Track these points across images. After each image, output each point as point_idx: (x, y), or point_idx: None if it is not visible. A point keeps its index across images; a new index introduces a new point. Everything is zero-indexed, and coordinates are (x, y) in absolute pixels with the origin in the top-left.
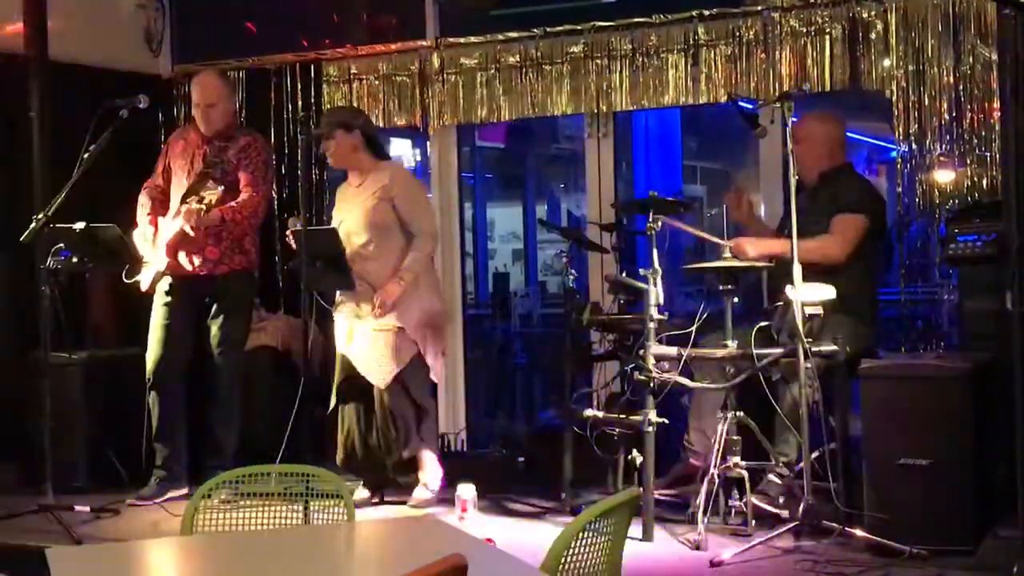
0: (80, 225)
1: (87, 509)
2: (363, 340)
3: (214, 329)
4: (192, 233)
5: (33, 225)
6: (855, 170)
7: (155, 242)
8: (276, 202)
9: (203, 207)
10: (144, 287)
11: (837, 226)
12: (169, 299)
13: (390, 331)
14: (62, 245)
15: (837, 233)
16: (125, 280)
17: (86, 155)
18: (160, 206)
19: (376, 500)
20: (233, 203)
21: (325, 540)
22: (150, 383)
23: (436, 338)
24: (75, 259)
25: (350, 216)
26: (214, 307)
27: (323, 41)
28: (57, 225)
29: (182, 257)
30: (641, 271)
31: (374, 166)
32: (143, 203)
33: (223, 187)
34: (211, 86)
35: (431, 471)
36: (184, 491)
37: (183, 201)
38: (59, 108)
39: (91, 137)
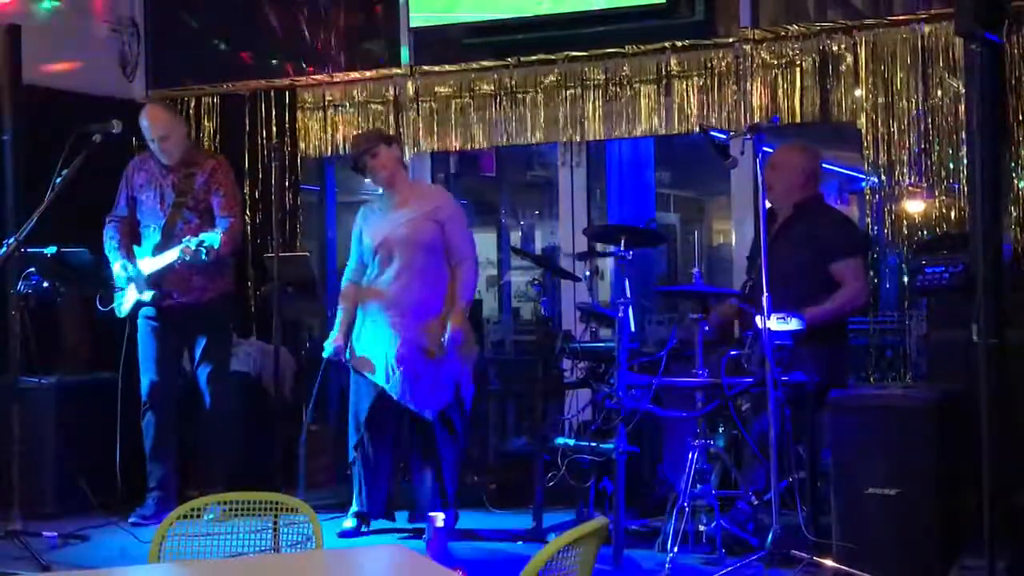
0: (51, 249)
1: (55, 535)
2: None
3: (200, 354)
4: (176, 266)
5: (4, 250)
6: (826, 202)
7: (137, 276)
8: (249, 228)
9: (203, 250)
10: (122, 314)
11: (847, 275)
12: (156, 324)
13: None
14: (33, 269)
15: (853, 282)
16: (100, 307)
17: (59, 179)
18: (129, 239)
19: (365, 529)
20: (223, 236)
21: (292, 569)
22: (146, 405)
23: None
24: (46, 283)
25: (392, 234)
26: (199, 333)
27: (298, 68)
28: (28, 249)
29: (168, 289)
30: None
31: (414, 186)
32: (111, 236)
33: (222, 229)
34: (159, 118)
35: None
36: None
37: (169, 235)
38: (32, 132)
39: (64, 161)
